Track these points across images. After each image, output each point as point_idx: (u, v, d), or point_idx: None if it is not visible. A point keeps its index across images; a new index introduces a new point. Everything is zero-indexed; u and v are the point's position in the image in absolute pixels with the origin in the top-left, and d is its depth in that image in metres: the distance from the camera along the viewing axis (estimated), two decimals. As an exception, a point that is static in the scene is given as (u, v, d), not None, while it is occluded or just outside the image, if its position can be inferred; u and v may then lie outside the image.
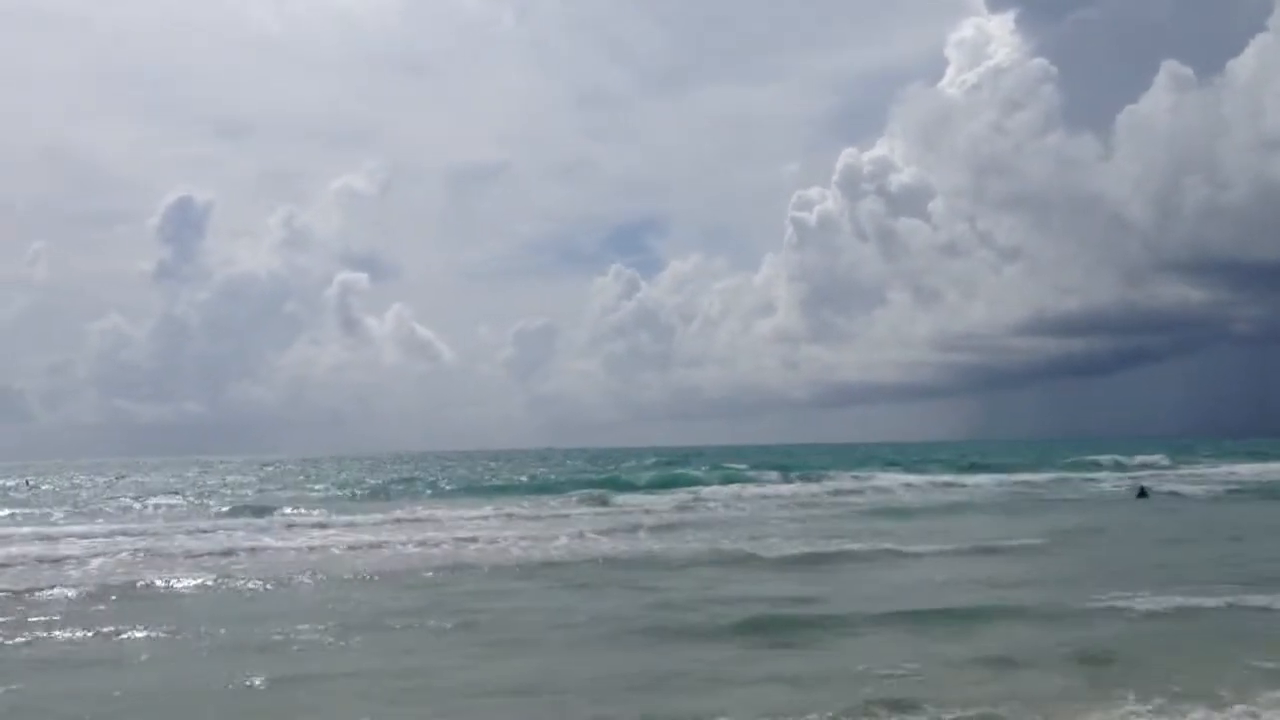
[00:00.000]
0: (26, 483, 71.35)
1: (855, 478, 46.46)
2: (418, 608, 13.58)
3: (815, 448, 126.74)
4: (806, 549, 19.67)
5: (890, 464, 62.95)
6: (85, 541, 22.42)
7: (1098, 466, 57.29)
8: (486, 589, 15.61)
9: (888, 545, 20.14)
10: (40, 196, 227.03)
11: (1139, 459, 61.32)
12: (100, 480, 69.26)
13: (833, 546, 20.15)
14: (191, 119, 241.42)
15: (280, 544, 22.08)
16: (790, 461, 66.98)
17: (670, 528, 25.36)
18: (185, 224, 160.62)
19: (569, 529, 24.61)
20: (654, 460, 79.03)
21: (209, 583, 16.41)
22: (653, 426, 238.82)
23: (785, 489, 41.40)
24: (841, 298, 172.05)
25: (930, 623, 11.86)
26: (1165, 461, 60.68)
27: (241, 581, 16.42)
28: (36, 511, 34.66)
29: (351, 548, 21.26)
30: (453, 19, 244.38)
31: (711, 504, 34.23)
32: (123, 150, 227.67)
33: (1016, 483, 44.29)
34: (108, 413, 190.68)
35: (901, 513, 30.13)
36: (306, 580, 16.62)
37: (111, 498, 44.17)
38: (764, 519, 28.23)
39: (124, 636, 11.98)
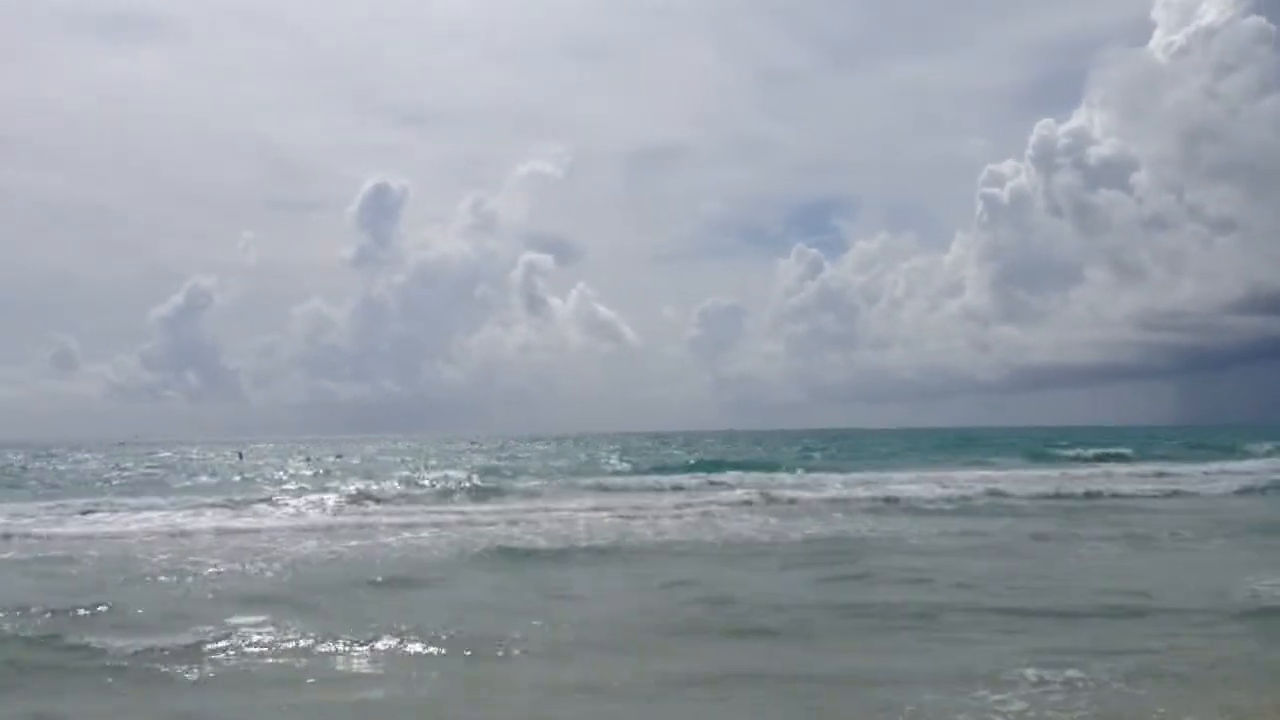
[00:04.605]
0: (239, 455, 73.11)
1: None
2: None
3: (1017, 431, 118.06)
4: None
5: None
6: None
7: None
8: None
9: None
10: (251, 186, 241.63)
11: None
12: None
13: None
14: (386, 108, 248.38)
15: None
16: (1037, 447, 60.91)
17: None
18: (381, 210, 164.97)
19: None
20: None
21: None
22: (837, 408, 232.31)
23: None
24: (1035, 276, 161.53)
25: None
26: None
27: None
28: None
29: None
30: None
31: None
32: (324, 140, 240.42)
33: None
34: (311, 392, 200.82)
35: None
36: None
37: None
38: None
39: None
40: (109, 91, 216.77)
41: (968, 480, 34.28)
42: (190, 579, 15.11)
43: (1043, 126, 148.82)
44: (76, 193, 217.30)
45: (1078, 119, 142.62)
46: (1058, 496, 28.85)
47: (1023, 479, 35.82)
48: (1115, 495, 29.34)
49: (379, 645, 10.40)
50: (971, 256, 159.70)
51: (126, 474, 49.47)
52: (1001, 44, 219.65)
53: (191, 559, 17.37)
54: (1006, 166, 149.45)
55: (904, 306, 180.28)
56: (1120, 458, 49.99)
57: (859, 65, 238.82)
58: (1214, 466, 40.61)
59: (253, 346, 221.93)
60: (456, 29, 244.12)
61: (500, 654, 10.13)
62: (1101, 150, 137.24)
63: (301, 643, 10.52)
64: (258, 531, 21.93)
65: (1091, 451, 53.74)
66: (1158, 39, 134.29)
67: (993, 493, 29.53)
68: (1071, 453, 53.83)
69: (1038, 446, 61.86)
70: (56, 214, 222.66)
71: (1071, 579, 14.36)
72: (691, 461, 49.29)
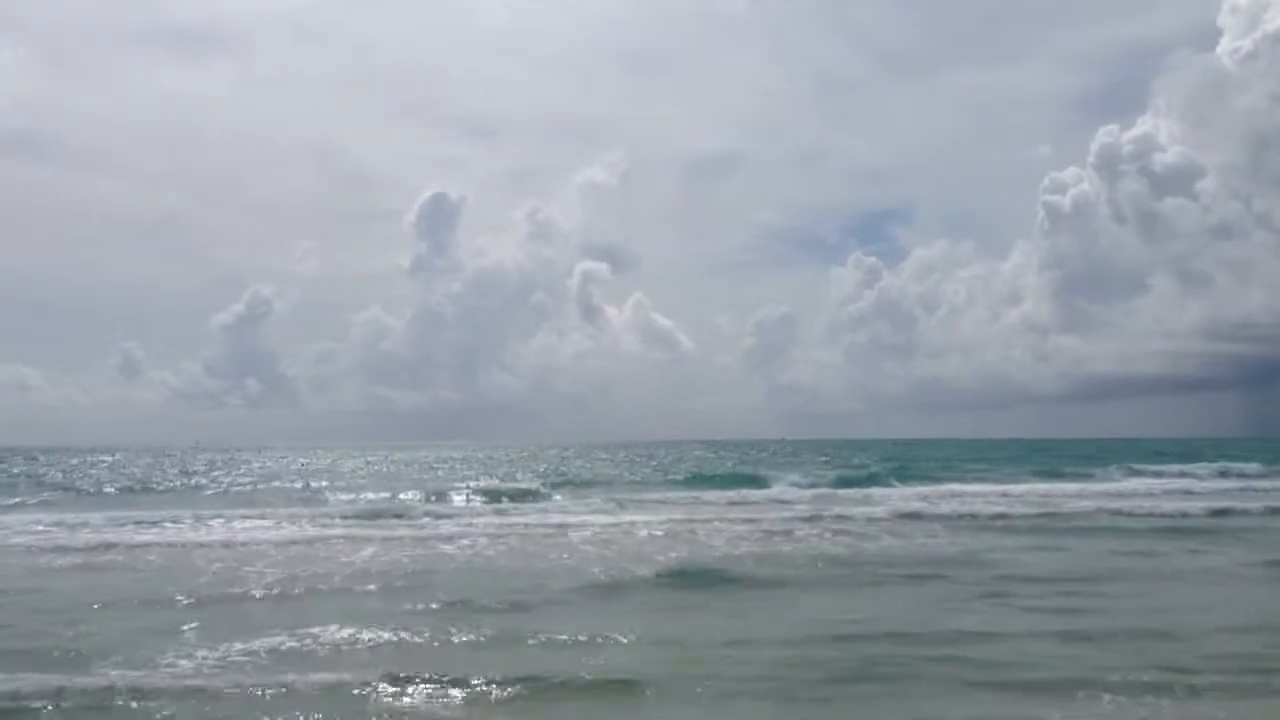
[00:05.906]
0: (300, 464, 73.43)
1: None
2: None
3: (1089, 443, 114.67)
4: None
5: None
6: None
7: None
8: None
9: None
10: (310, 196, 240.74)
11: None
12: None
13: None
14: (442, 119, 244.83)
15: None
16: (1120, 458, 58.46)
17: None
18: (439, 219, 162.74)
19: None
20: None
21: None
22: (893, 418, 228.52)
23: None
24: (1097, 285, 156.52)
25: None
26: None
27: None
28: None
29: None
30: (687, 8, 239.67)
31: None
32: (382, 150, 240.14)
33: None
34: (369, 400, 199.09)
35: None
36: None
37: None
38: None
39: None
40: (174, 104, 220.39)
41: (1062, 494, 32.69)
42: (243, 594, 14.34)
43: (1106, 133, 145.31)
44: (141, 203, 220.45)
45: (1142, 126, 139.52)
46: (1173, 514, 26.52)
47: (1119, 492, 34.21)
48: (1244, 513, 26.96)
49: (442, 686, 9.23)
50: (1032, 265, 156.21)
51: (189, 481, 49.43)
52: (1064, 51, 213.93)
53: (247, 569, 16.64)
54: (1068, 174, 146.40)
55: (963, 315, 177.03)
56: (1235, 474, 46.66)
57: (918, 74, 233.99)
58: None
59: (312, 354, 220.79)
60: (513, 40, 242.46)
61: (581, 698, 8.94)
62: (1167, 157, 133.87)
63: (349, 665, 9.53)
64: (311, 541, 21.16)
65: (1211, 467, 49.48)
66: (1225, 44, 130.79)
67: (1111, 511, 27.44)
68: (1200, 468, 49.79)
69: (1119, 458, 59.66)
70: (121, 224, 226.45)
71: (1198, 607, 12.77)
72: (759, 473, 47.70)
